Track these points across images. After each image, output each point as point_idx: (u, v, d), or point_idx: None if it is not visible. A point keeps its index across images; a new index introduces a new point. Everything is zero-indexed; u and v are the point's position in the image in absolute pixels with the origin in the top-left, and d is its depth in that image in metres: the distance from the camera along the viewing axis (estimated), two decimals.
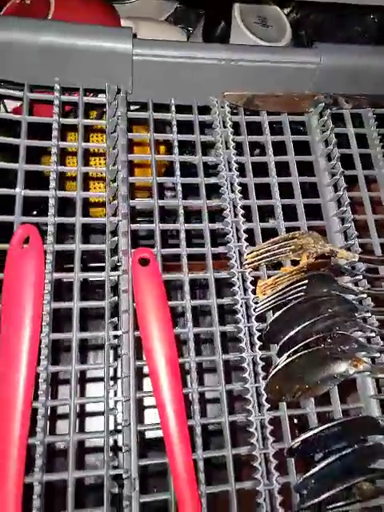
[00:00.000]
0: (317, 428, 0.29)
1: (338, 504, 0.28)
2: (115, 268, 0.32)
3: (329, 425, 0.29)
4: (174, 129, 0.37)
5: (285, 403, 0.31)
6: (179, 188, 0.36)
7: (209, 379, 0.32)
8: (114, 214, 0.33)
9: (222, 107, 0.39)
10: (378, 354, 0.32)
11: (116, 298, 0.30)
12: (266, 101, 0.38)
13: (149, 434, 0.36)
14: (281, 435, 0.31)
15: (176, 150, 0.37)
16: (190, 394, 0.31)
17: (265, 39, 0.54)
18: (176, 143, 0.37)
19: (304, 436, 0.29)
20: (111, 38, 0.32)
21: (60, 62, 0.33)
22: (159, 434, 0.28)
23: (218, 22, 0.51)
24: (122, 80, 0.34)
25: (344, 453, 0.28)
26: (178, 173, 0.36)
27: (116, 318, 0.29)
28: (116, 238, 0.32)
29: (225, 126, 0.38)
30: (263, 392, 0.31)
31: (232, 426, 0.31)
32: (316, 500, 0.27)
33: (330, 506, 0.28)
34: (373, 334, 0.32)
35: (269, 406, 0.31)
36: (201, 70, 0.36)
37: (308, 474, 0.28)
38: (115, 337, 0.29)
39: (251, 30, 0.54)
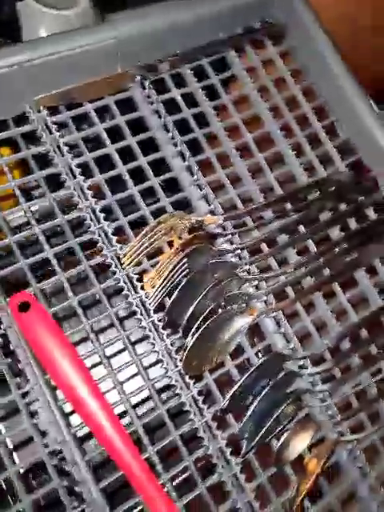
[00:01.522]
0: (237, 382, 0.32)
1: (276, 431, 0.33)
2: None
3: (246, 375, 0.33)
4: None
5: (207, 372, 0.34)
6: (29, 215, 0.34)
7: (135, 384, 0.33)
8: None
9: (39, 112, 0.36)
10: (266, 298, 0.35)
11: (8, 359, 0.29)
12: (82, 91, 0.36)
13: None
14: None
15: (9, 176, 0.34)
16: (123, 404, 0.32)
17: (59, 7, 0.49)
18: (6, 169, 0.34)
19: (229, 393, 0.32)
20: None
21: None
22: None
23: None
24: None
25: (266, 391, 0.33)
26: (22, 200, 0.34)
27: (18, 378, 0.29)
28: None
29: (50, 132, 0.36)
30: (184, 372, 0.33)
31: (169, 413, 0.33)
32: (256, 438, 0.32)
33: (270, 437, 0.32)
34: (256, 282, 0.36)
35: (193, 381, 0.33)
36: None
37: (243, 421, 0.32)
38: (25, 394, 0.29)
39: (40, 2, 0.48)
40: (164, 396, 0.36)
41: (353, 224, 0.40)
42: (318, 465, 0.31)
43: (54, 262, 0.33)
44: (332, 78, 0.43)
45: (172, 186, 0.40)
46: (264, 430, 0.32)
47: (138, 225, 0.37)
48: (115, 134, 0.38)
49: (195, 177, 0.37)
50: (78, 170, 0.35)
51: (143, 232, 0.34)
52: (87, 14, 0.50)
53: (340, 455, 0.35)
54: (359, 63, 0.47)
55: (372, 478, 0.34)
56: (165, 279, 0.33)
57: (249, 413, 0.32)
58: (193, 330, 0.32)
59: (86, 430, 0.31)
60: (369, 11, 0.74)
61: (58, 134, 0.35)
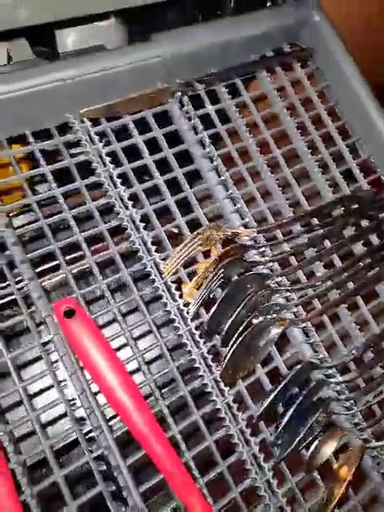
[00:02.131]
0: (271, 394, 0.33)
1: (309, 439, 0.34)
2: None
3: (282, 384, 0.34)
4: (42, 162, 0.35)
5: (240, 380, 0.35)
6: (73, 222, 0.34)
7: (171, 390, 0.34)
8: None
9: (83, 122, 0.37)
10: (295, 309, 0.37)
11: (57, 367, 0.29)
12: (124, 105, 0.37)
13: None
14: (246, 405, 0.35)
15: (53, 185, 0.35)
16: (161, 412, 0.33)
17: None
18: (50, 176, 0.35)
19: (266, 402, 0.33)
20: None
21: None
22: None
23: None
24: None
25: (300, 399, 0.34)
26: (64, 206, 0.35)
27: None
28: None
29: (93, 142, 0.37)
30: (220, 379, 0.34)
31: (204, 419, 0.34)
32: (292, 446, 0.33)
33: (303, 445, 0.34)
34: (288, 294, 0.37)
35: (228, 388, 0.34)
36: (42, 97, 0.33)
37: (277, 431, 0.33)
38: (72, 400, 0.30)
39: None
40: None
41: (374, 240, 0.42)
42: (349, 471, 0.33)
43: (96, 269, 0.34)
44: (355, 99, 0.45)
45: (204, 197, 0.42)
46: (299, 437, 0.33)
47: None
48: (152, 145, 0.39)
49: (230, 191, 0.39)
50: (119, 181, 0.36)
51: (183, 243, 0.35)
52: (114, 28, 0.52)
53: (364, 461, 0.36)
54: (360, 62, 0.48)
55: None
56: (203, 289, 0.35)
57: (283, 421, 0.33)
58: (233, 339, 0.34)
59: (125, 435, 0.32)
60: (375, 9, 0.75)
61: (101, 144, 0.36)
